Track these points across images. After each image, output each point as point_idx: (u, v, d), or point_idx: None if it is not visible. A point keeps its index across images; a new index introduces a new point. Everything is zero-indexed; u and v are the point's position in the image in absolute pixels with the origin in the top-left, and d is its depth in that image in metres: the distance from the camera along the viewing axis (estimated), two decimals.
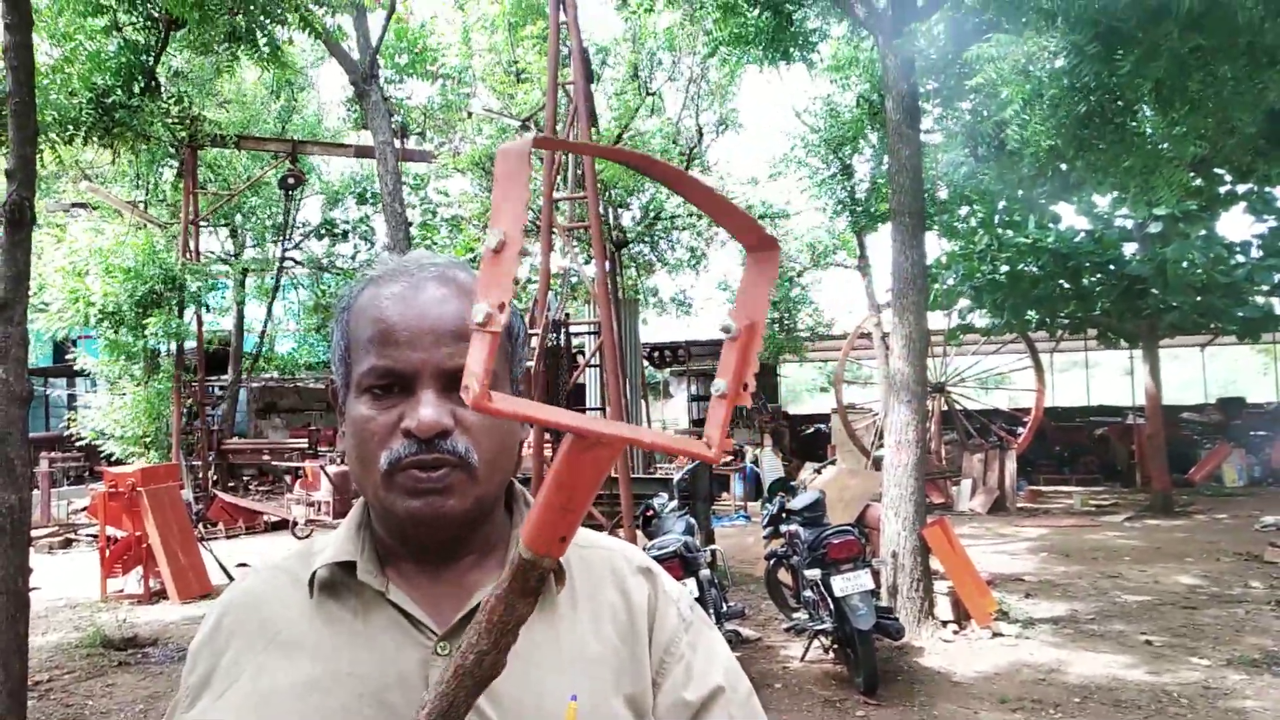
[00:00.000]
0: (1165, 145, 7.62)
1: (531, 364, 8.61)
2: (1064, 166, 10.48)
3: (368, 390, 0.90)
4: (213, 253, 19.06)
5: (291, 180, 15.53)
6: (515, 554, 0.68)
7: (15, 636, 4.22)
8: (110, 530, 9.14)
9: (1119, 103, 6.65)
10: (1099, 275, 12.66)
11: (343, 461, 13.66)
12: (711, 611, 5.77)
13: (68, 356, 17.66)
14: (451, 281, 0.93)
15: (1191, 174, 12.09)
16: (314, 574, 0.94)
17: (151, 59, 10.01)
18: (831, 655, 6.29)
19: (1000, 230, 12.31)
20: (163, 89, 11.42)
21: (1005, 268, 12.29)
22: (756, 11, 8.92)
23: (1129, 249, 13.08)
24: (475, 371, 0.57)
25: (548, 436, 9.09)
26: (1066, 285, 12.76)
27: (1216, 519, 12.82)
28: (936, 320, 14.95)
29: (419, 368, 0.88)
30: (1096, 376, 24.52)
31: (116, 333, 14.20)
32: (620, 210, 15.75)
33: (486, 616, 0.68)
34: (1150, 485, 14.42)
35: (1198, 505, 14.19)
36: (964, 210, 12.90)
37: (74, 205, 18.21)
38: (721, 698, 0.95)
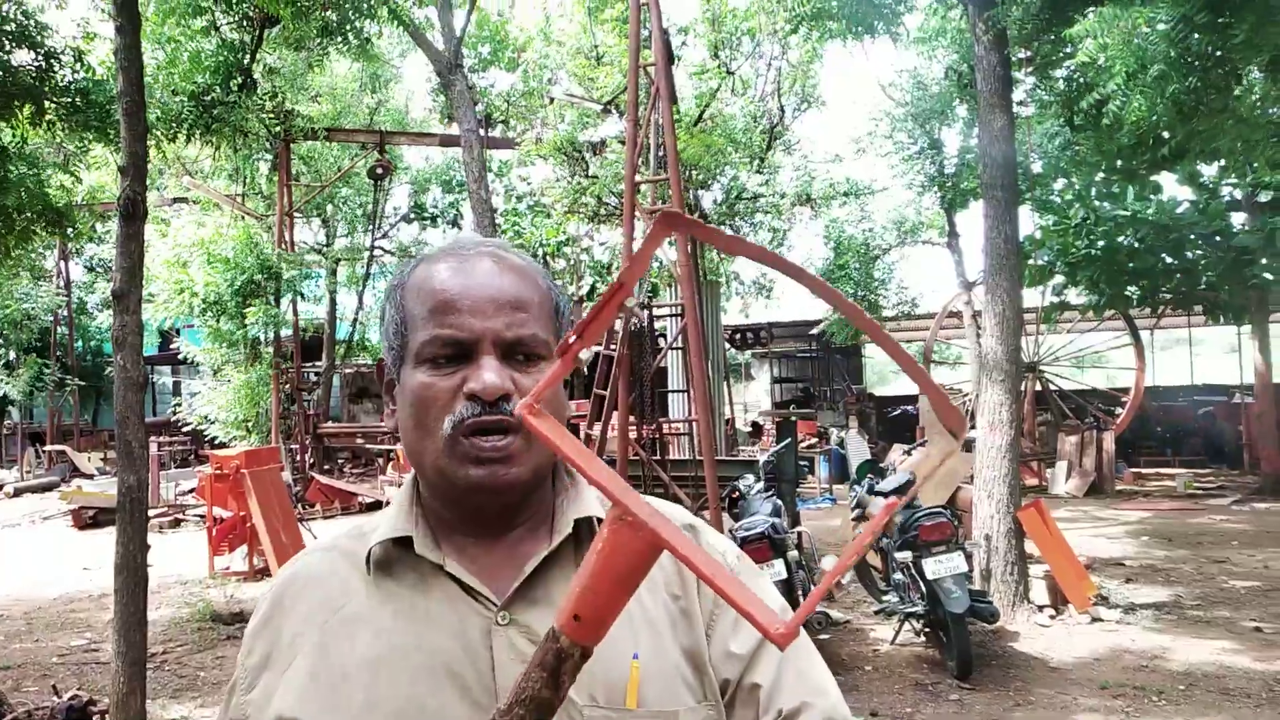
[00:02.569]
0: (1275, 110, 7.25)
1: (616, 349, 8.67)
2: (1166, 134, 10.04)
3: (428, 360, 0.93)
4: (306, 243, 19.68)
5: (380, 170, 15.90)
6: (544, 645, 0.70)
7: (136, 610, 4.45)
8: (216, 510, 9.57)
9: (1223, 69, 6.32)
10: (1204, 247, 12.09)
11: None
12: (799, 593, 5.74)
13: (172, 345, 18.48)
14: (504, 259, 0.97)
15: None
16: (370, 551, 0.95)
17: (247, 57, 10.37)
18: (923, 638, 6.21)
19: (1097, 203, 11.84)
20: (258, 85, 11.82)
21: (1102, 242, 11.81)
22: None
23: (1237, 219, 12.46)
24: (533, 390, 0.63)
25: (631, 419, 9.15)
26: (1169, 259, 12.22)
27: None
28: (1030, 298, 14.51)
29: (481, 334, 0.91)
30: (1200, 354, 23.43)
31: (218, 322, 14.79)
32: (701, 192, 15.67)
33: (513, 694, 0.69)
34: (1260, 467, 13.78)
35: None
36: (1059, 183, 12.45)
37: (176, 200, 19.01)
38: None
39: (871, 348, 24.98)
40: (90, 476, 18.82)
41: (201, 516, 11.77)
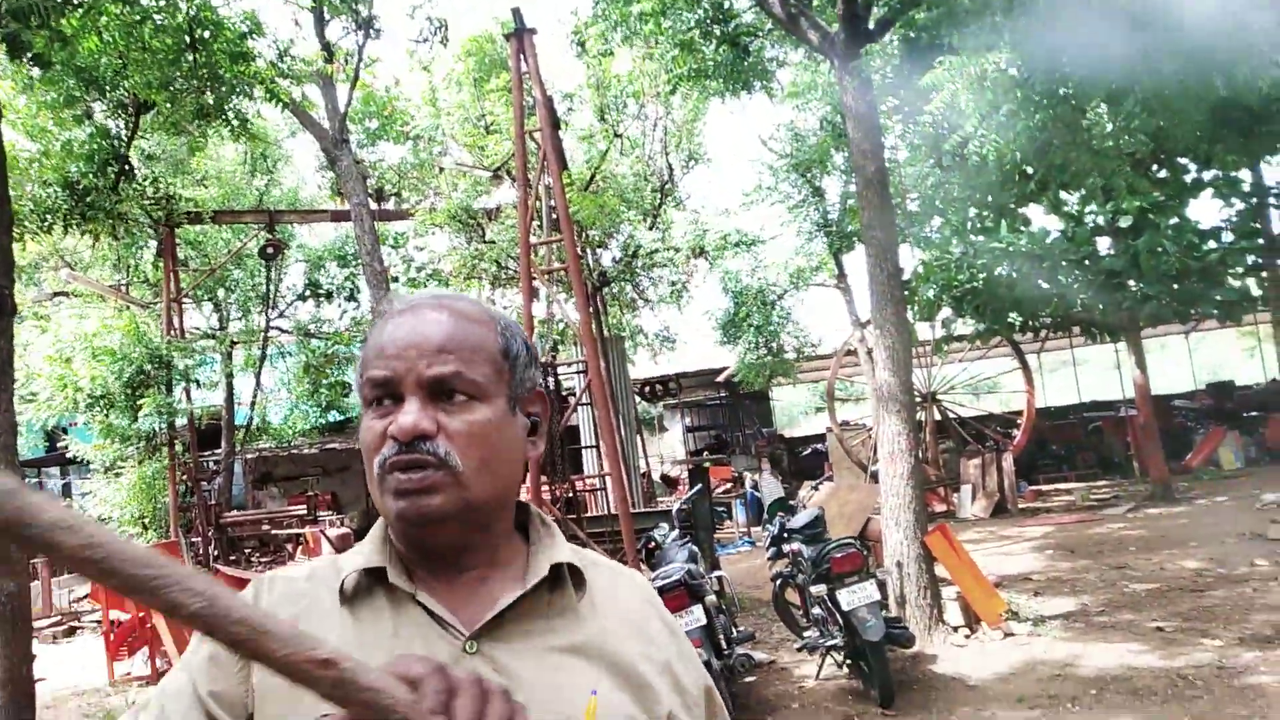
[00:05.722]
0: (1126, 139, 7.82)
1: None
2: (1029, 169, 10.69)
3: (369, 404, 0.99)
4: (198, 329, 19.11)
5: (271, 249, 15.63)
6: None
7: None
8: (114, 614, 9.09)
9: (1069, 105, 6.82)
10: (1075, 272, 12.80)
11: (344, 523, 13.60)
12: (721, 637, 5.78)
13: (59, 445, 17.61)
14: (447, 307, 1.01)
15: (1155, 166, 12.33)
16: (344, 579, 0.99)
17: (123, 144, 10.15)
18: (846, 670, 6.28)
19: (973, 237, 12.46)
20: (136, 172, 11.55)
21: (983, 274, 12.41)
22: (713, 46, 9.13)
23: (1103, 243, 13.25)
24: None
25: (544, 478, 9.11)
26: (1045, 285, 12.90)
27: (1217, 502, 12.86)
28: (923, 331, 15.08)
29: (402, 375, 0.96)
30: (1085, 373, 24.66)
31: (108, 416, 14.19)
32: (599, 250, 15.87)
33: None
34: (1148, 475, 14.47)
35: (1197, 490, 14.22)
36: (935, 221, 13.06)
37: (56, 294, 18.26)
38: (707, 698, 1.07)
39: (778, 391, 25.48)
40: None
41: (98, 622, 11.15)
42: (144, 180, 12.09)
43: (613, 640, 0.99)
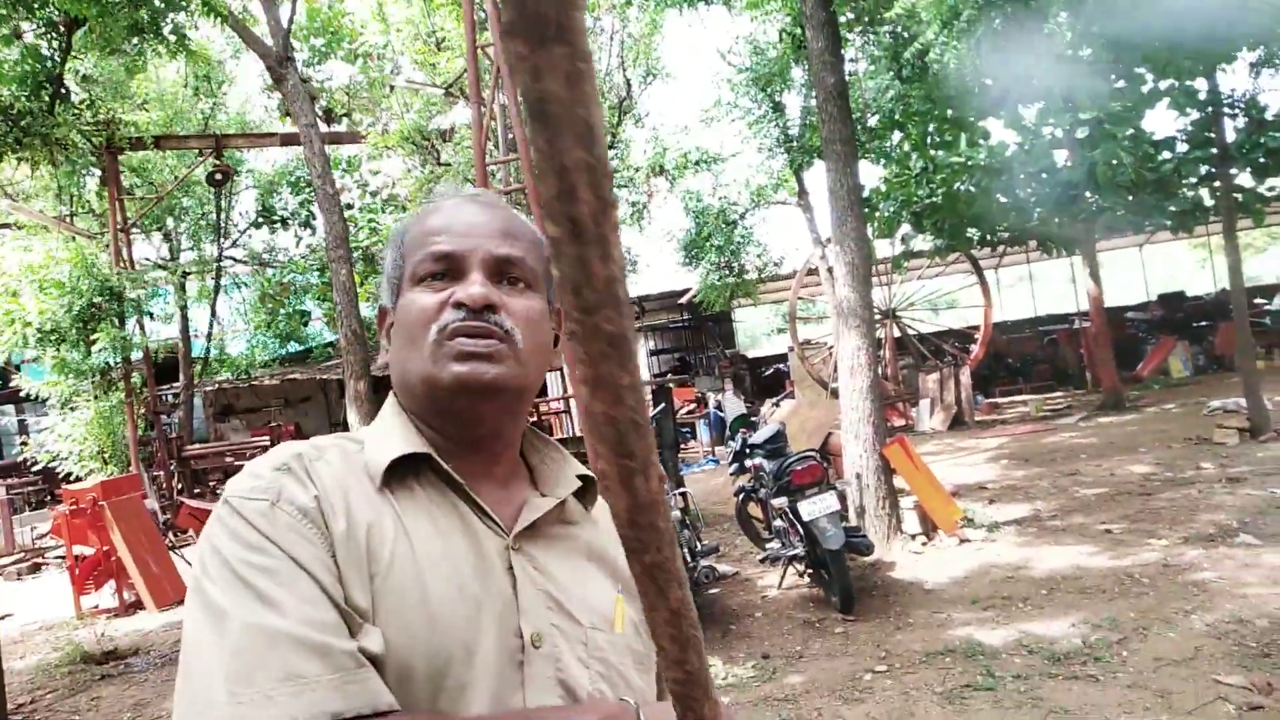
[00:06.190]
0: (1088, 51, 7.78)
1: None
2: (988, 82, 10.60)
3: (422, 280, 0.99)
4: (149, 259, 18.63)
5: (219, 175, 15.18)
6: None
7: None
8: (77, 548, 9.03)
9: (1027, 9, 6.74)
10: (1032, 186, 12.83)
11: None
12: (686, 550, 5.88)
13: (11, 383, 17.25)
14: (497, 203, 1.07)
15: (1113, 76, 12.27)
16: (378, 464, 0.93)
17: (56, 64, 9.71)
18: (807, 579, 6.44)
19: (933, 152, 12.41)
20: (73, 95, 11.08)
21: (942, 189, 12.40)
22: None
23: (1060, 156, 13.25)
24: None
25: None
26: (1003, 199, 12.93)
27: (1165, 409, 13.22)
28: (883, 248, 15.12)
29: (470, 250, 0.99)
30: (1041, 287, 25.00)
31: (59, 351, 13.89)
32: None
33: None
34: (1100, 385, 14.80)
35: (1147, 398, 14.60)
36: (896, 136, 12.96)
37: None
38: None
39: (741, 312, 25.56)
40: None
41: (62, 557, 11.10)
42: (81, 104, 11.62)
43: (612, 550, 1.04)
